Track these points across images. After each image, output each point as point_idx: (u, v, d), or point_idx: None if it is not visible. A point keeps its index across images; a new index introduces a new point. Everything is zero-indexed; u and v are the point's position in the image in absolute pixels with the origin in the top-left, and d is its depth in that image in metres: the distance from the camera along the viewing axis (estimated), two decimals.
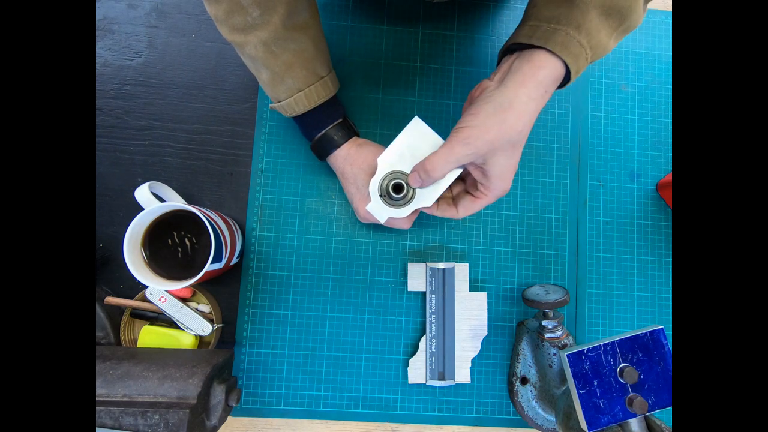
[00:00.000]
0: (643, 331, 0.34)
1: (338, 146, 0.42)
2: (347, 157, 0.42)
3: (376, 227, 0.49)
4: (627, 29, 0.34)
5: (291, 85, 0.39)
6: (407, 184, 0.39)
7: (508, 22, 0.53)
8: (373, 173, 0.41)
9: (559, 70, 0.32)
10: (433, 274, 0.47)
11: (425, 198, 0.39)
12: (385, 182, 0.40)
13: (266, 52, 0.37)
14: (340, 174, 0.43)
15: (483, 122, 0.32)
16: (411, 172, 0.38)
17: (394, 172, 0.39)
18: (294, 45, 0.37)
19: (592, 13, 0.31)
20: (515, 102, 0.32)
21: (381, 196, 0.40)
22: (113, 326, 0.44)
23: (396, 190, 0.39)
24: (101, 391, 0.36)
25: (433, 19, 0.52)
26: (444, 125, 0.51)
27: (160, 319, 0.45)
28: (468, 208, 0.38)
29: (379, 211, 0.40)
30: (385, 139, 0.50)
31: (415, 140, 0.39)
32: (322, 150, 0.43)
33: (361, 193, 0.42)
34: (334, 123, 0.42)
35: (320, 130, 0.42)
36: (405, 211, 0.40)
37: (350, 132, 0.43)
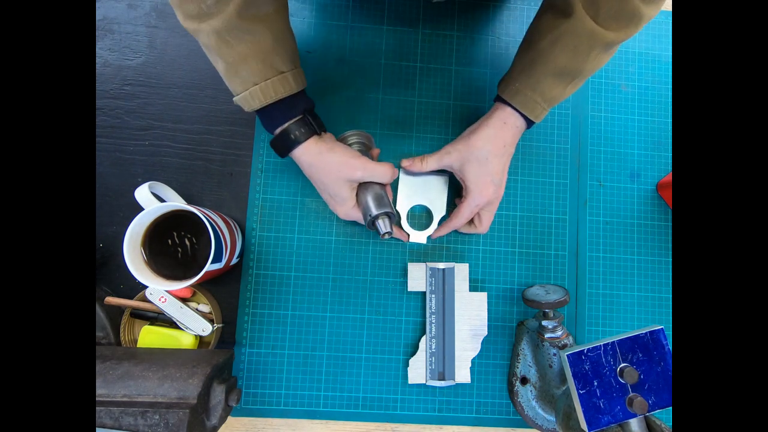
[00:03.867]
0: (643, 331, 0.34)
1: (297, 143, 0.40)
2: (312, 164, 0.41)
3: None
4: (582, 79, 0.41)
5: (246, 78, 0.37)
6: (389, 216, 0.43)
7: (508, 22, 0.53)
8: (343, 182, 0.42)
9: (519, 119, 0.43)
10: (433, 274, 0.47)
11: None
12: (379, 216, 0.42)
13: (219, 41, 0.35)
14: (307, 174, 0.43)
15: (456, 142, 0.45)
16: (410, 160, 0.47)
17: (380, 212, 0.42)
18: (250, 36, 0.36)
19: (546, 79, 0.40)
20: (477, 129, 0.43)
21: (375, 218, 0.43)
22: (113, 326, 0.44)
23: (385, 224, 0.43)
24: (101, 391, 0.36)
25: (433, 19, 0.52)
26: (444, 125, 0.51)
27: (160, 319, 0.45)
28: (456, 214, 0.46)
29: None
30: (385, 139, 0.50)
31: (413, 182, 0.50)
32: (282, 147, 0.41)
33: (335, 200, 0.43)
34: (293, 119, 0.40)
35: (277, 126, 0.40)
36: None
37: (311, 130, 0.41)
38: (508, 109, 0.42)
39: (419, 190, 0.50)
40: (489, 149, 0.42)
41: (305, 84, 0.41)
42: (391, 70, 0.51)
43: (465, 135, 0.45)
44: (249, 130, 0.50)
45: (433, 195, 0.49)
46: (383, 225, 0.42)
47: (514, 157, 0.51)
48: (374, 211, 0.42)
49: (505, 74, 0.44)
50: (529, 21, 0.52)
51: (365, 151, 0.46)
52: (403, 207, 0.49)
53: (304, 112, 0.41)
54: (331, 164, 0.41)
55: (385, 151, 0.50)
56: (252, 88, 0.38)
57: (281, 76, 0.38)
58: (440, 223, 0.49)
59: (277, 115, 0.40)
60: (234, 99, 0.40)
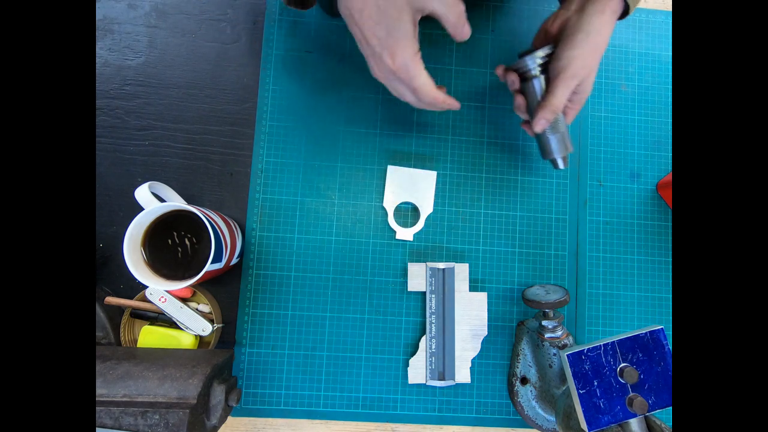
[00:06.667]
0: (643, 331, 0.34)
1: None
2: None
3: (377, 220, 0.49)
4: None
5: None
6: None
7: (508, 22, 0.53)
8: (408, 7, 0.32)
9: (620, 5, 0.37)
10: (433, 274, 0.47)
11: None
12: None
13: None
14: (357, 11, 0.33)
15: (581, 52, 0.37)
16: (536, 117, 0.41)
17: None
18: None
19: None
20: (600, 28, 0.37)
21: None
22: (113, 326, 0.44)
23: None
24: (101, 391, 0.36)
25: (433, 19, 0.52)
26: (444, 125, 0.51)
27: (160, 319, 0.45)
28: (552, 93, 0.40)
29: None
30: (385, 138, 0.50)
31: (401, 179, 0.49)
32: None
33: (393, 37, 0.32)
34: None
35: None
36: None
37: None
38: None
39: (406, 186, 0.49)
40: (607, 44, 0.39)
41: None
42: None
43: (582, 37, 0.38)
44: (249, 130, 0.50)
45: (421, 192, 0.49)
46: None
47: (514, 156, 0.51)
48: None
49: None
50: (529, 21, 0.53)
51: None
52: (389, 204, 0.49)
53: None
54: None
55: (386, 152, 0.50)
56: None
57: None
58: (427, 220, 0.49)
59: None
60: None
